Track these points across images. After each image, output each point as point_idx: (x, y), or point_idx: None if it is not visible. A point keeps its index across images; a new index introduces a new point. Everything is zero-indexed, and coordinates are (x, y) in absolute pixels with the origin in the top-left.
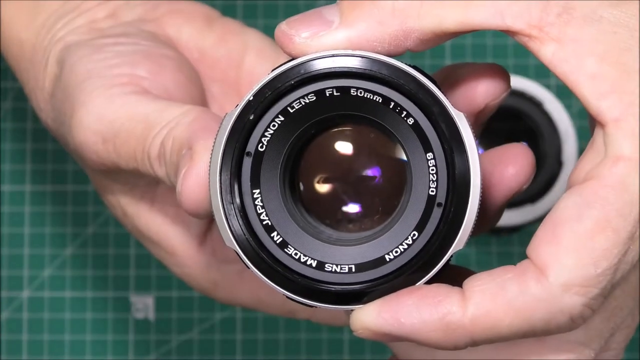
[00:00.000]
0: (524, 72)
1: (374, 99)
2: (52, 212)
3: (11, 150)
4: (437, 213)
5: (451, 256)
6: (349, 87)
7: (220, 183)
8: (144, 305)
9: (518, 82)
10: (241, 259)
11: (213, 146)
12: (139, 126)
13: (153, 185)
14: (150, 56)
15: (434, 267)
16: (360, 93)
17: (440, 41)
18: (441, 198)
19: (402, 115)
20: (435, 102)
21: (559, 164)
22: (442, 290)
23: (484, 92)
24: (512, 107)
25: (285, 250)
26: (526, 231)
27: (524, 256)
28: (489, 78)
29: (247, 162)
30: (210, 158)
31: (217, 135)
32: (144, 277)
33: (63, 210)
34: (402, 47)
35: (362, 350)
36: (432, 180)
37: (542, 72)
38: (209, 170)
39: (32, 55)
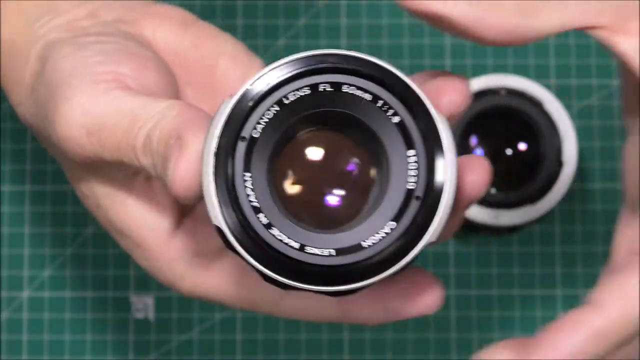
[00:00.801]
0: (524, 72)
1: (364, 96)
2: (52, 212)
3: (11, 151)
4: (414, 205)
5: (423, 247)
6: (342, 84)
7: (215, 163)
8: (144, 305)
9: (518, 82)
10: (226, 236)
11: (208, 129)
12: (125, 120)
13: (130, 179)
14: (132, 55)
15: (409, 254)
16: (352, 90)
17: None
18: (419, 192)
19: (389, 114)
20: (420, 103)
21: (559, 164)
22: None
23: (447, 103)
24: (512, 107)
25: (270, 231)
26: (526, 231)
27: (524, 256)
28: (451, 90)
29: (242, 146)
30: (205, 140)
31: (213, 119)
32: (144, 277)
33: (63, 210)
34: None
35: (362, 351)
36: (411, 175)
37: (542, 72)
38: (203, 151)
39: (11, 50)
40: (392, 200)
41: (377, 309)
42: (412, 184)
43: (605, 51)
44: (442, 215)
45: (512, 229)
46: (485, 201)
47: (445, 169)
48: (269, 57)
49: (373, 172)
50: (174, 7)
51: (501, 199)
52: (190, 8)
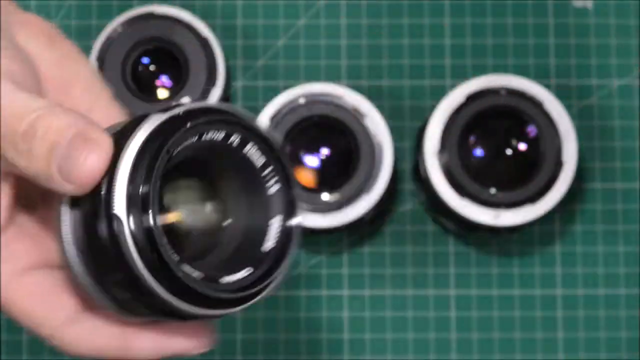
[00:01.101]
0: (524, 72)
1: (259, 160)
2: None
3: None
4: (268, 262)
5: (263, 296)
6: (248, 141)
7: (134, 163)
8: None
9: (518, 82)
10: (119, 227)
11: (133, 132)
12: (7, 109)
13: None
14: (17, 56)
15: (254, 299)
16: (253, 150)
17: None
18: (274, 251)
19: (271, 183)
20: (293, 177)
21: (559, 164)
22: None
23: None
24: (512, 107)
25: (162, 238)
26: (526, 231)
27: (524, 256)
28: None
29: (165, 157)
30: (126, 141)
31: (139, 126)
32: None
33: None
34: None
35: (362, 351)
36: (270, 237)
37: (542, 72)
38: (122, 150)
39: None
40: (254, 251)
41: (154, 343)
42: (269, 245)
43: (605, 51)
44: (283, 273)
45: (512, 229)
46: (485, 201)
47: (294, 239)
48: (269, 57)
49: (232, 228)
50: (43, 20)
51: (501, 199)
52: (191, 8)
